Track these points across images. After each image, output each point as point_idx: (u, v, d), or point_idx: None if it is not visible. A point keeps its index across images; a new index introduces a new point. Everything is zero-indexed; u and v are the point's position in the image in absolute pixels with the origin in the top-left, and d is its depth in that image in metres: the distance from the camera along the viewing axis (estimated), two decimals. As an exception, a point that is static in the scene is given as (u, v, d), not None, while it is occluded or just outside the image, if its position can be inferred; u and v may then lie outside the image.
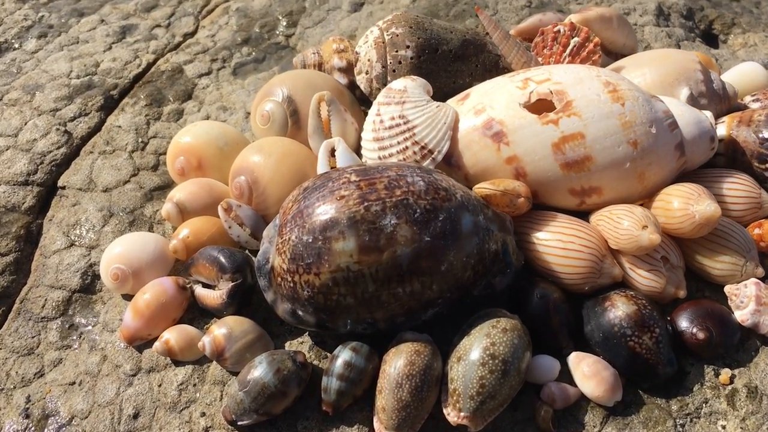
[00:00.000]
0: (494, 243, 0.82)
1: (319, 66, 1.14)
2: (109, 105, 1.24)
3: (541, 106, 0.90)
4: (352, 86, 1.12)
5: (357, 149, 1.00)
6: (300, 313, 0.82)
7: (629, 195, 0.90)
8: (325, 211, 0.77)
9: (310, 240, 0.77)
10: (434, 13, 1.36)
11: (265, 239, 0.86)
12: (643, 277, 0.85)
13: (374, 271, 0.76)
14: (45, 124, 1.18)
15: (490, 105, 0.92)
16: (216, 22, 1.46)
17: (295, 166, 0.98)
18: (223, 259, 0.88)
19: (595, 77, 0.90)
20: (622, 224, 0.84)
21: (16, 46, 1.39)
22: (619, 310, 0.81)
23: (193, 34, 1.44)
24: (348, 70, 1.12)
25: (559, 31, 1.03)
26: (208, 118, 1.23)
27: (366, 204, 0.76)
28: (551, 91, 0.89)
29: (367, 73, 1.04)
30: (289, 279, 0.79)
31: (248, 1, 1.51)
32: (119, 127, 1.19)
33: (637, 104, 0.88)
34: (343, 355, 0.80)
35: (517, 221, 0.91)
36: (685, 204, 0.84)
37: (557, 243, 0.86)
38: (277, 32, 1.41)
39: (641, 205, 0.90)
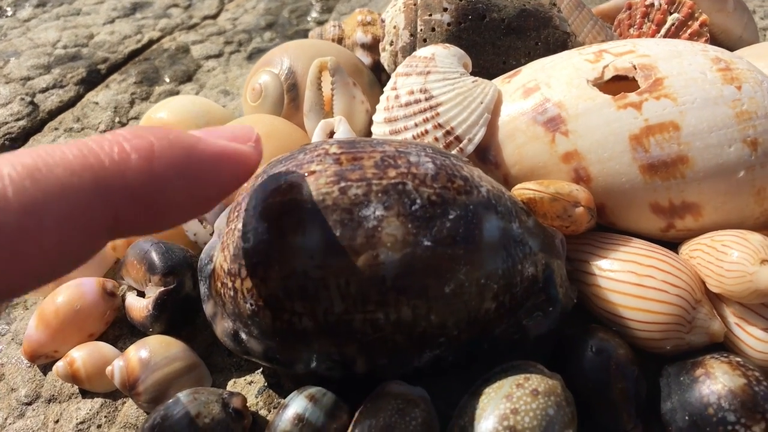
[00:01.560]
0: (532, 265, 0.58)
1: (340, 41, 0.94)
2: (93, 79, 1.08)
3: (618, 88, 0.67)
4: (377, 68, 0.92)
5: (367, 136, 0.78)
6: (243, 336, 0.60)
7: (741, 219, 0.65)
8: (286, 189, 0.56)
9: (260, 230, 0.55)
10: None
11: (215, 231, 0.65)
12: (756, 339, 0.59)
13: (343, 282, 0.53)
14: (9, 93, 1.03)
15: (546, 82, 0.69)
16: (242, 5, 1.30)
17: (281, 149, 0.77)
18: (154, 256, 0.67)
19: (700, 52, 0.67)
20: (729, 256, 0.58)
21: (9, 13, 1.27)
22: (717, 383, 0.55)
23: (214, 17, 1.28)
24: (373, 47, 0.92)
25: (652, 4, 0.80)
26: (205, 102, 1.05)
27: (343, 185, 0.55)
28: (634, 66, 0.66)
29: (391, 44, 0.84)
30: (230, 285, 0.58)
31: (283, -14, 1.35)
32: (96, 103, 1.03)
33: (760, 89, 0.63)
34: (295, 405, 0.57)
35: (573, 242, 0.67)
36: (828, 235, 0.58)
37: (629, 277, 0.61)
38: (309, 18, 1.24)
39: (758, 237, 0.65)
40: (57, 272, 0.40)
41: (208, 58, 1.15)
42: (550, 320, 0.60)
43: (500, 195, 0.59)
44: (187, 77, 1.11)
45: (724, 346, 0.62)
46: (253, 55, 1.15)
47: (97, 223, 0.40)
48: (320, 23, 1.22)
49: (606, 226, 0.70)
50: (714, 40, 0.90)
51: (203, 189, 0.47)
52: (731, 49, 0.90)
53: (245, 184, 0.61)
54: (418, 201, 0.55)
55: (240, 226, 0.57)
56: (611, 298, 0.62)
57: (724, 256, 0.59)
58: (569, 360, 0.60)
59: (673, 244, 0.68)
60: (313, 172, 0.56)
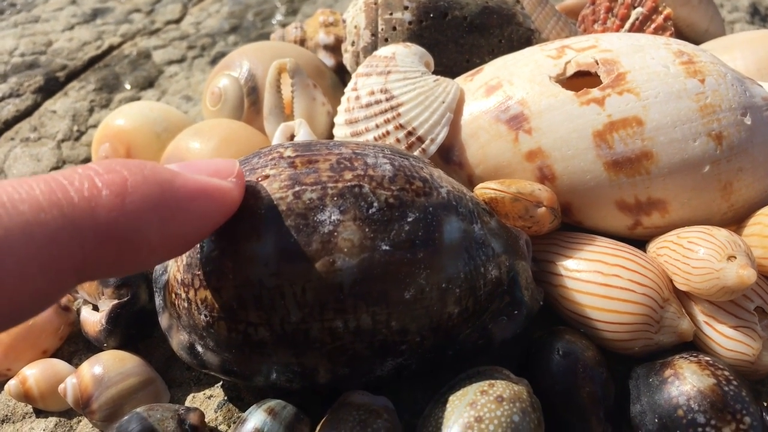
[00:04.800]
0: (496, 268, 0.57)
1: (302, 42, 0.92)
2: (51, 87, 1.06)
3: (582, 83, 0.66)
4: (341, 70, 0.90)
5: (329, 139, 0.77)
6: (199, 348, 0.58)
7: (708, 215, 0.64)
8: (238, 195, 0.54)
9: (213, 237, 0.53)
10: None
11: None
12: (725, 337, 0.58)
13: (299, 290, 0.51)
14: (-37, 103, 1.00)
15: (508, 80, 0.68)
16: (206, 9, 1.28)
17: (239, 154, 0.75)
18: (106, 267, 0.64)
19: (663, 45, 0.66)
20: (696, 253, 0.57)
21: (-35, 21, 1.23)
22: (686, 383, 0.54)
23: (177, 21, 1.26)
24: (336, 48, 0.90)
25: (616, -1, 0.79)
26: (167, 108, 1.03)
27: (297, 189, 0.53)
28: (596, 61, 0.65)
29: (353, 44, 0.82)
30: (183, 296, 0.56)
31: (248, -12, 1.33)
32: (54, 112, 1.00)
33: (724, 82, 0.62)
34: (254, 419, 0.55)
35: (539, 242, 0.66)
36: (795, 229, 0.58)
37: (595, 276, 0.60)
38: (273, 21, 1.22)
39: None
40: (19, 316, 0.38)
41: (170, 63, 1.13)
42: (515, 324, 0.58)
43: (461, 196, 0.58)
44: (149, 83, 1.08)
45: (695, 345, 0.61)
46: (217, 59, 1.13)
47: (64, 263, 0.38)
48: (285, 26, 1.20)
49: (573, 224, 0.69)
50: (679, 34, 0.89)
51: (180, 227, 0.44)
52: (697, 42, 0.89)
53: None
54: (376, 204, 0.53)
55: (192, 234, 0.55)
56: (578, 299, 0.60)
57: (691, 254, 0.58)
58: (536, 364, 0.58)
59: (641, 242, 0.66)
60: (267, 177, 0.54)
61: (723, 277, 0.55)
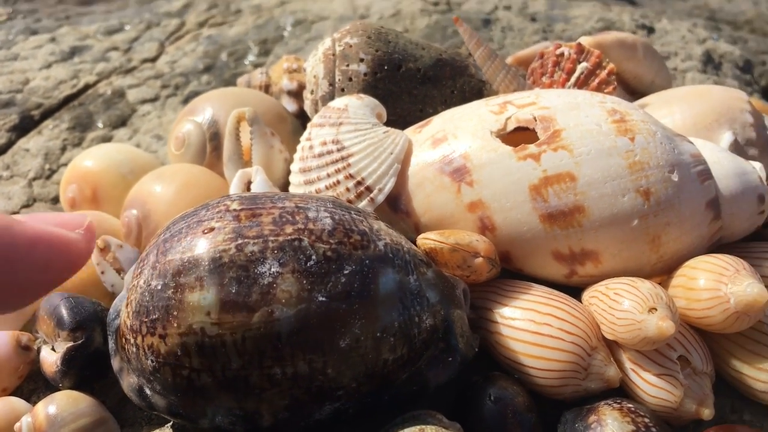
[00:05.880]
0: (430, 317, 0.60)
1: (267, 88, 0.96)
2: (26, 126, 1.09)
3: (522, 138, 0.69)
4: (304, 115, 0.93)
5: (285, 186, 0.80)
6: (147, 391, 0.60)
7: (638, 266, 0.67)
8: (185, 247, 0.57)
9: (159, 287, 0.56)
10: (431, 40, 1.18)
11: (124, 285, 0.66)
12: (650, 384, 0.61)
13: (240, 339, 0.54)
14: (-62, 141, 1.03)
15: (453, 133, 0.72)
16: (182, 48, 1.31)
17: (200, 199, 0.78)
18: (62, 311, 0.67)
19: (598, 103, 0.70)
20: (620, 304, 0.61)
21: (-56, 59, 1.26)
22: (607, 429, 0.57)
23: (154, 60, 1.29)
24: (299, 94, 0.94)
25: (562, 54, 0.83)
26: (137, 147, 1.06)
27: (240, 242, 0.56)
28: (535, 118, 0.69)
29: (312, 92, 0.86)
30: (132, 341, 0.59)
31: (224, 28, 1.37)
32: (27, 150, 1.03)
33: (653, 140, 0.66)
34: (198, 460, 0.58)
35: (478, 290, 0.69)
36: (715, 283, 0.61)
37: (528, 325, 0.63)
38: (246, 61, 1.25)
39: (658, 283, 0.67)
40: None
41: (143, 102, 1.16)
42: (450, 370, 0.61)
43: (399, 248, 0.61)
44: (122, 122, 1.11)
45: (623, 391, 0.64)
46: (189, 99, 1.16)
47: None
48: (258, 66, 1.24)
49: (514, 272, 0.72)
50: (627, 86, 0.93)
51: (18, 275, 0.44)
52: (644, 93, 0.93)
53: (152, 239, 0.62)
54: (314, 257, 0.56)
55: (142, 282, 0.58)
56: (512, 346, 0.63)
57: (616, 305, 0.61)
58: (469, 408, 0.61)
59: (579, 289, 0.70)
60: (212, 229, 0.57)
61: (644, 328, 0.58)
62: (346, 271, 0.56)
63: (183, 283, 0.55)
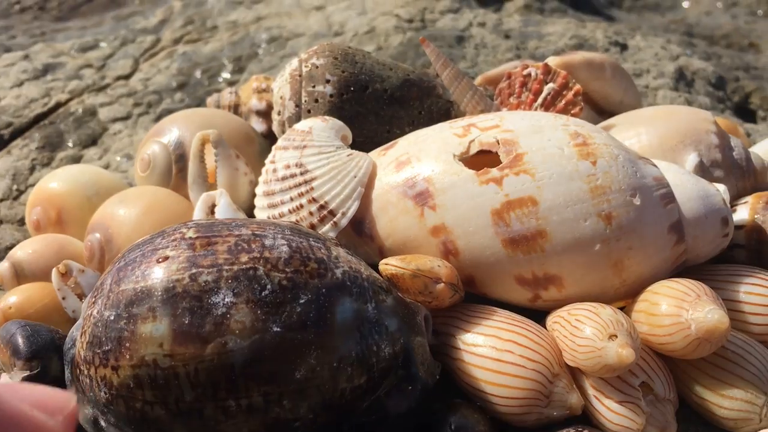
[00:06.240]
0: (389, 345, 0.59)
1: (236, 107, 0.95)
2: (-6, 145, 1.08)
3: (484, 161, 0.69)
4: (272, 135, 0.93)
5: (251, 208, 0.79)
6: (102, 423, 0.59)
7: (602, 291, 0.66)
8: (138, 276, 0.56)
9: (112, 317, 0.55)
10: (402, 61, 1.18)
11: (81, 313, 0.65)
12: (612, 411, 0.60)
13: (192, 371, 0.53)
14: None
15: (416, 156, 0.71)
16: (156, 65, 1.31)
17: (164, 222, 0.77)
18: (18, 340, 0.66)
19: (561, 126, 0.69)
20: (582, 331, 0.60)
21: None
22: (567, 458, 0.56)
23: (127, 77, 1.29)
24: (268, 114, 0.93)
25: (529, 74, 0.83)
26: (107, 167, 1.05)
27: (194, 271, 0.55)
28: (497, 140, 0.68)
29: (279, 114, 0.85)
30: (86, 372, 0.58)
31: (199, 45, 1.36)
32: (-6, 170, 1.02)
33: (615, 164, 0.66)
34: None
35: (441, 315, 0.68)
36: (676, 309, 0.61)
37: (490, 351, 0.62)
38: (220, 79, 1.25)
39: (621, 308, 0.67)
40: None
41: (115, 120, 1.15)
42: (410, 398, 0.61)
43: (357, 275, 0.60)
44: (92, 141, 1.10)
45: (584, 419, 0.63)
46: (162, 117, 1.15)
47: None
48: (232, 83, 1.23)
49: (479, 296, 0.71)
50: (596, 105, 0.93)
51: None
52: (613, 112, 0.93)
53: (108, 267, 0.61)
54: (269, 286, 0.55)
55: (95, 312, 0.57)
56: (474, 373, 0.63)
57: (577, 331, 0.60)
58: (430, 438, 0.60)
59: (545, 312, 0.69)
60: (166, 258, 0.56)
61: (604, 355, 0.57)
62: (301, 301, 0.56)
63: (136, 314, 0.55)
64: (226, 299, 0.54)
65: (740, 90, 1.20)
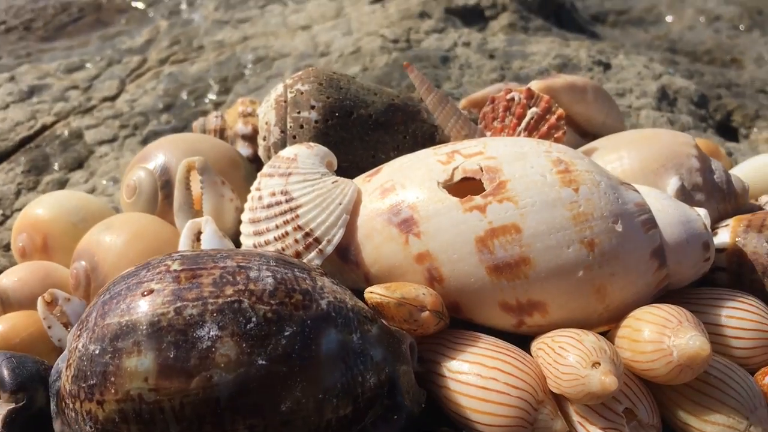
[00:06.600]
0: (374, 375, 0.60)
1: (222, 131, 0.96)
2: (-21, 170, 1.07)
3: (468, 188, 0.70)
4: (259, 159, 0.93)
5: (237, 234, 0.79)
6: (88, 457, 0.59)
7: (586, 316, 0.67)
8: (123, 310, 0.56)
9: (98, 351, 0.56)
10: (387, 85, 1.18)
11: (68, 343, 0.65)
12: (596, 438, 0.61)
13: (178, 405, 0.53)
14: None
15: (401, 183, 0.72)
16: (143, 86, 1.31)
17: (150, 250, 0.77)
18: (4, 372, 0.66)
19: (544, 153, 0.70)
20: (565, 358, 0.61)
21: None
22: (551, 487, 0.57)
23: (113, 98, 1.29)
24: (254, 138, 0.93)
25: (513, 99, 0.84)
26: (93, 191, 1.05)
27: (179, 305, 0.55)
28: (481, 168, 0.69)
29: (264, 139, 0.85)
30: (71, 406, 0.58)
31: (185, 65, 1.36)
32: (-20, 195, 1.02)
33: (597, 191, 0.67)
34: None
35: (426, 342, 0.68)
36: (658, 335, 0.61)
37: (474, 379, 0.63)
38: (206, 100, 1.25)
39: (605, 332, 0.67)
40: None
41: (101, 143, 1.15)
42: (395, 427, 0.61)
43: (342, 306, 0.60)
44: (78, 164, 1.10)
45: (570, 444, 0.63)
46: (149, 139, 1.16)
47: None
48: (218, 104, 1.24)
49: (465, 321, 0.72)
50: (579, 128, 0.94)
51: None
52: (596, 134, 0.94)
53: (93, 299, 0.61)
54: (254, 319, 0.56)
55: (80, 345, 0.57)
56: (459, 400, 0.63)
57: (561, 359, 0.61)
58: (416, 466, 0.61)
59: (531, 337, 0.69)
60: (151, 291, 0.57)
61: (588, 383, 0.58)
62: (286, 333, 0.56)
63: (120, 348, 0.55)
64: (211, 333, 0.55)
65: (722, 108, 1.22)
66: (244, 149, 0.94)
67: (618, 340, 0.65)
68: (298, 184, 0.73)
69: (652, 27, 2.02)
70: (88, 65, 1.39)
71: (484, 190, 0.68)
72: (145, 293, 0.57)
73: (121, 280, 0.60)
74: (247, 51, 1.36)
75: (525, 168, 0.68)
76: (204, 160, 0.79)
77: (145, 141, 1.16)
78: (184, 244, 0.76)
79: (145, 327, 0.55)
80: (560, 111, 0.83)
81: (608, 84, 1.20)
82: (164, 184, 0.85)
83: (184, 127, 1.18)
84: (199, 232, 0.76)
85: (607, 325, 0.69)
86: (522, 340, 0.69)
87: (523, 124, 0.83)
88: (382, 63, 1.23)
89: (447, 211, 0.68)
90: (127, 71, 1.37)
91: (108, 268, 0.77)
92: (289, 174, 0.74)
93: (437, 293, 0.66)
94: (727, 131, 1.20)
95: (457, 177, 0.70)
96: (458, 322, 0.72)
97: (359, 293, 0.66)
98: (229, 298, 0.56)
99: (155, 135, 1.16)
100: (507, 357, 0.64)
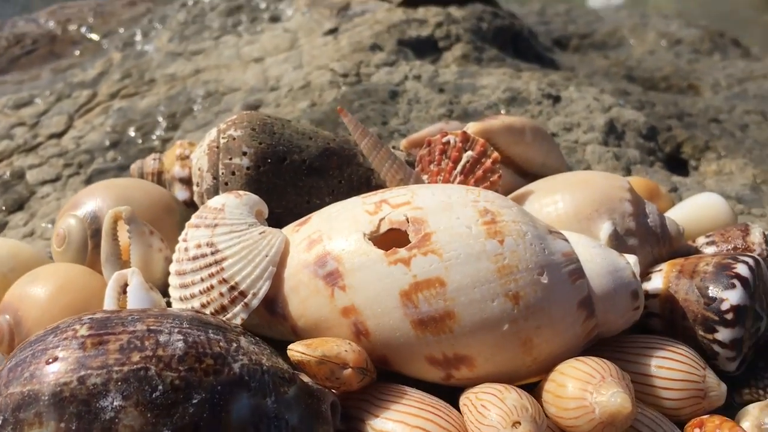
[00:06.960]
0: (290, 439, 0.58)
1: (159, 174, 0.94)
2: None
3: (395, 239, 0.69)
4: (196, 204, 0.91)
5: (167, 286, 0.77)
6: None
7: (514, 369, 0.66)
8: (26, 379, 0.55)
9: (0, 422, 0.53)
10: (334, 120, 1.17)
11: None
12: (519, 500, 0.59)
13: (79, 479, 0.51)
14: None
15: (328, 234, 0.70)
16: (90, 122, 1.29)
17: (76, 303, 0.76)
18: None
19: (471, 203, 0.69)
20: (486, 417, 0.59)
21: None
22: None
23: (61, 135, 1.27)
24: (191, 181, 0.92)
25: (448, 142, 0.83)
26: (32, 234, 1.03)
27: (83, 373, 0.54)
28: (407, 219, 0.68)
29: (197, 185, 0.84)
30: (-26, 480, 0.55)
31: (135, 100, 1.35)
32: None
33: (523, 242, 0.66)
34: None
35: (352, 398, 0.67)
36: (581, 391, 0.60)
37: (397, 438, 0.61)
38: (154, 136, 1.23)
39: (535, 384, 0.67)
40: None
41: (44, 183, 1.13)
42: (314, 492, 0.59)
43: (257, 369, 0.59)
44: (18, 206, 1.08)
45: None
46: (93, 178, 1.14)
47: None
48: (165, 141, 1.22)
49: (395, 373, 0.70)
50: (518, 168, 0.93)
51: None
52: (537, 175, 0.94)
53: (1, 366, 0.60)
54: (160, 387, 0.54)
55: (-16, 416, 0.55)
56: (382, 461, 0.62)
57: (482, 418, 0.60)
58: None
59: (458, 391, 0.68)
60: (55, 359, 0.55)
61: (508, 443, 0.57)
62: (194, 401, 0.54)
63: (22, 419, 0.53)
64: (115, 403, 0.53)
65: (672, 140, 1.22)
66: (181, 192, 0.92)
67: (544, 394, 0.64)
68: (225, 235, 0.72)
69: (613, 51, 2.03)
70: (37, 100, 1.37)
71: (410, 242, 0.67)
72: (50, 360, 0.55)
73: (28, 345, 0.59)
74: (198, 85, 1.35)
75: (451, 219, 0.67)
76: (131, 210, 0.78)
77: (89, 180, 1.14)
78: (109, 297, 0.74)
79: (47, 397, 0.53)
80: (495, 155, 0.82)
81: (557, 118, 1.19)
82: (94, 233, 0.83)
83: (129, 165, 1.16)
84: (125, 285, 0.74)
85: (537, 376, 0.68)
86: (453, 392, 0.68)
87: (459, 167, 0.82)
88: (330, 98, 1.22)
89: (372, 264, 0.66)
90: (76, 106, 1.35)
91: (32, 323, 0.75)
92: (216, 225, 0.73)
93: (361, 349, 0.65)
94: (677, 164, 1.20)
95: (384, 228, 0.69)
96: (389, 374, 0.71)
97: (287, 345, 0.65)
98: (135, 366, 0.54)
99: (100, 174, 1.15)
100: (430, 415, 0.63)
